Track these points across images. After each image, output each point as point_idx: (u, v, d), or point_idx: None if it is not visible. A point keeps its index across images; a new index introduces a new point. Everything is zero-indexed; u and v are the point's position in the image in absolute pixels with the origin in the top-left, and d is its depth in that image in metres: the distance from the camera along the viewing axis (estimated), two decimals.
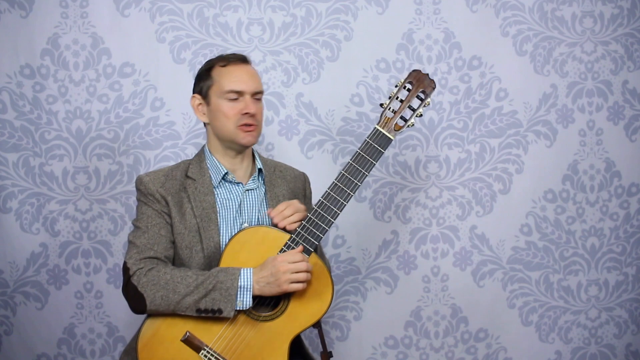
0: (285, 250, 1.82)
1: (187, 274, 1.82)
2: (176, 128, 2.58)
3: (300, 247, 1.82)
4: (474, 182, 2.67)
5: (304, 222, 1.83)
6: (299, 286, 1.78)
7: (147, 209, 1.93)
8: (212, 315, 1.79)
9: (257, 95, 1.96)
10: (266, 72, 2.59)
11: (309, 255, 1.82)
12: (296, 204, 1.91)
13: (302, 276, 1.78)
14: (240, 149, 1.98)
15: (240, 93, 1.92)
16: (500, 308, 2.71)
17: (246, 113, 1.92)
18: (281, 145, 2.62)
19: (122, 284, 1.88)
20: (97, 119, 2.56)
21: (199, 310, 1.78)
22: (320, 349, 1.92)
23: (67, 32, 2.54)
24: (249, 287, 1.78)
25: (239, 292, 1.77)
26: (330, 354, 1.92)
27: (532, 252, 2.70)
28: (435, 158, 2.66)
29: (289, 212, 1.87)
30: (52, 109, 2.55)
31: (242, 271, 1.79)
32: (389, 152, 2.63)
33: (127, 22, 2.55)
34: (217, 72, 1.95)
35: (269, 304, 1.87)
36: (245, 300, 1.78)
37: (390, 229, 2.67)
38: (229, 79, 1.93)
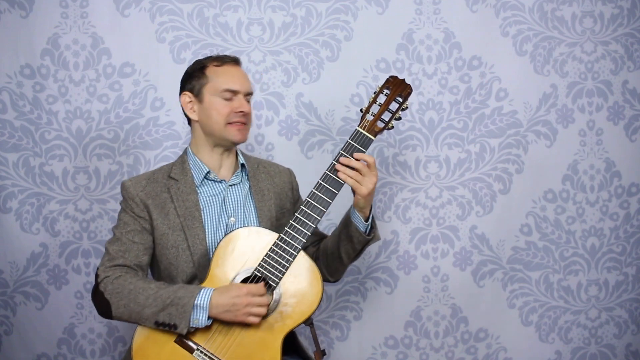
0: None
1: (150, 285, 1.83)
2: (176, 128, 2.56)
3: (262, 283, 1.81)
4: (474, 182, 2.64)
5: (291, 221, 1.84)
6: (255, 320, 1.78)
7: (124, 215, 1.96)
8: (169, 330, 1.79)
9: (249, 95, 2.01)
10: (266, 72, 2.56)
11: (297, 253, 1.82)
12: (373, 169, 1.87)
13: (261, 311, 1.78)
14: (228, 146, 2.01)
15: (235, 92, 1.96)
16: (500, 308, 2.68)
17: (240, 111, 1.95)
18: (281, 145, 2.59)
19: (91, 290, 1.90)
20: (97, 119, 2.54)
21: (157, 323, 1.79)
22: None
23: (67, 32, 2.51)
24: (204, 306, 1.77)
25: (194, 310, 1.77)
26: (323, 352, 1.92)
27: (532, 252, 2.67)
28: (435, 158, 2.63)
29: (357, 165, 1.84)
30: (52, 109, 2.52)
31: (201, 290, 1.79)
32: (389, 152, 2.61)
33: (127, 22, 2.52)
34: (213, 71, 1.98)
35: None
36: (200, 319, 1.77)
37: (390, 229, 2.63)
38: (225, 78, 1.97)
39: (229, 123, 1.95)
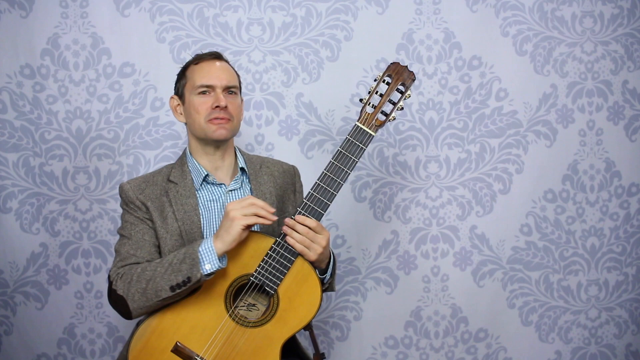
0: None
1: (156, 261, 1.70)
2: (176, 128, 2.42)
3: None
4: (474, 182, 2.50)
5: None
6: (252, 220, 1.62)
7: (129, 216, 1.83)
8: (186, 288, 1.64)
9: (230, 89, 1.86)
10: (266, 72, 2.43)
11: (295, 258, 1.68)
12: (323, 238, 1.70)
13: (251, 209, 1.62)
14: (217, 145, 1.87)
15: (210, 87, 1.84)
16: (500, 308, 2.55)
17: (217, 106, 1.81)
18: (281, 145, 2.47)
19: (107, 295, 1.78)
20: (97, 119, 2.41)
21: (172, 288, 1.64)
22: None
23: (67, 32, 2.38)
24: (209, 247, 1.63)
25: (202, 256, 1.62)
26: (322, 355, 1.79)
27: (532, 252, 2.53)
28: (435, 158, 2.48)
29: (302, 229, 1.67)
30: (52, 109, 2.39)
31: (203, 240, 1.66)
32: (389, 152, 2.46)
33: (127, 22, 2.40)
34: (191, 70, 1.88)
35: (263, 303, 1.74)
36: (212, 260, 1.62)
37: (390, 229, 2.49)
38: (200, 74, 1.85)
39: (209, 120, 1.82)
